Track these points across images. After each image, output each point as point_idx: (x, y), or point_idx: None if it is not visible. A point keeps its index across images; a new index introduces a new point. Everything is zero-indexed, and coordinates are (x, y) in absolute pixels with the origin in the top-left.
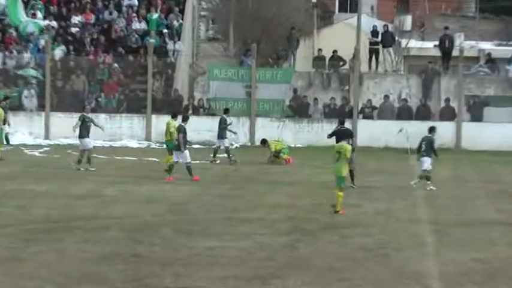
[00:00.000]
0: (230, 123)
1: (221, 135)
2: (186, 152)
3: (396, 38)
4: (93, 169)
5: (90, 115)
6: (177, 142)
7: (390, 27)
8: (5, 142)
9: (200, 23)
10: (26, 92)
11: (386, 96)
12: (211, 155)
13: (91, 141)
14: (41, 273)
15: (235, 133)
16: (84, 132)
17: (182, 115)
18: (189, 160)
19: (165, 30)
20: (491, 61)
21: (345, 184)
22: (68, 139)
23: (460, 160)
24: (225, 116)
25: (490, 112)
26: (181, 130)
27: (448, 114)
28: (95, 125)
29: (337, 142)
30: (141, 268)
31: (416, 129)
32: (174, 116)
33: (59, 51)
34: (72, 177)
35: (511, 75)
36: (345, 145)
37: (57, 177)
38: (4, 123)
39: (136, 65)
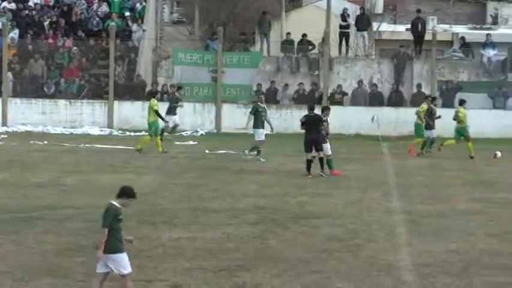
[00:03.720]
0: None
1: (170, 112)
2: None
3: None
4: (263, 160)
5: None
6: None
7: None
8: None
9: (164, 5)
10: None
11: (360, 82)
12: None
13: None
14: None
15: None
16: (257, 123)
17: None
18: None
19: (128, 13)
20: (465, 45)
21: None
22: (26, 126)
23: (432, 148)
24: (177, 94)
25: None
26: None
27: (419, 100)
28: (266, 120)
29: (306, 129)
30: None
31: (387, 116)
32: (154, 94)
33: (12, 35)
34: (31, 165)
35: (485, 59)
36: None
37: (15, 166)
38: None
39: (98, 49)
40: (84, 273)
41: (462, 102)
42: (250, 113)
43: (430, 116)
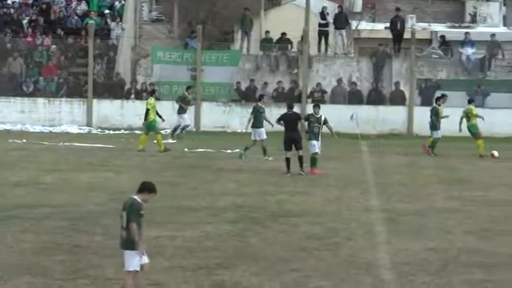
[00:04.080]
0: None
1: (181, 111)
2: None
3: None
4: (270, 158)
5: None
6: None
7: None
8: None
9: (143, 3)
10: None
11: (339, 80)
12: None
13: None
14: None
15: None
16: (257, 122)
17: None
18: None
19: (107, 11)
20: (445, 44)
21: None
22: (5, 124)
23: (411, 146)
24: (186, 93)
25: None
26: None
27: (398, 98)
28: (265, 119)
29: (285, 127)
30: (82, 259)
31: (366, 114)
32: (152, 94)
33: None
34: (10, 164)
35: (464, 58)
36: None
37: None
38: None
39: (77, 47)
40: (62, 272)
41: (471, 101)
42: (252, 113)
43: (436, 116)
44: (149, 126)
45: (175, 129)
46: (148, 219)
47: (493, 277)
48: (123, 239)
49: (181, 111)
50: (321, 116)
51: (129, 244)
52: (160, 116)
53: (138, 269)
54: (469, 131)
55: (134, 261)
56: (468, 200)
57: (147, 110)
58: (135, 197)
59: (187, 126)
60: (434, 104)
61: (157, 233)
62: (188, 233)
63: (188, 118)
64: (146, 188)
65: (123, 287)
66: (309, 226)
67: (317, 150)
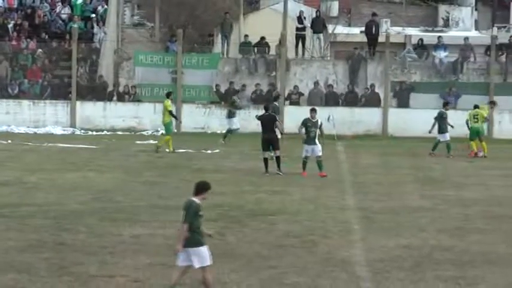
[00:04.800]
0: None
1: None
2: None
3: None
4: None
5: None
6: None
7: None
8: None
9: (125, 8)
10: None
11: (316, 83)
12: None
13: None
14: None
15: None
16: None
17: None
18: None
19: (93, 15)
20: (422, 47)
21: None
22: None
23: (386, 147)
24: (234, 97)
25: (416, 98)
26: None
27: (373, 100)
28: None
29: (262, 128)
30: (66, 256)
31: (342, 116)
32: (168, 95)
33: None
34: None
35: (437, 61)
36: None
37: None
38: None
39: (61, 50)
40: (47, 269)
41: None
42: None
43: (442, 120)
44: (165, 127)
45: (228, 132)
46: (129, 218)
47: (465, 273)
48: (188, 239)
49: (230, 115)
50: (317, 120)
51: (195, 241)
52: (175, 117)
53: (210, 263)
54: (477, 132)
55: (204, 256)
56: (441, 199)
57: (169, 112)
58: (194, 198)
59: (236, 129)
60: (442, 109)
61: (138, 231)
62: (169, 231)
63: (237, 122)
64: (202, 188)
65: (205, 282)
66: (286, 224)
67: (319, 154)
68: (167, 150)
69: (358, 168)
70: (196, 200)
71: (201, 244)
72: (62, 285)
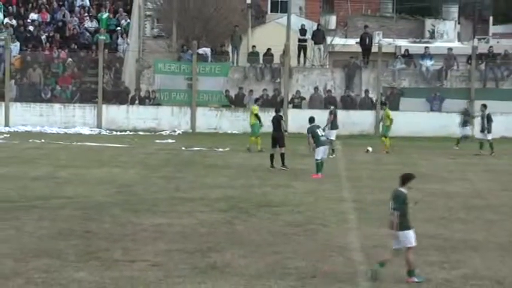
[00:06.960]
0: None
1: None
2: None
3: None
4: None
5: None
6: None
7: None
8: None
9: (146, 21)
10: None
11: (316, 88)
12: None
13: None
14: (1, 248)
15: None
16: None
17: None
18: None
19: (118, 28)
20: (408, 56)
21: None
22: (26, 126)
23: (379, 145)
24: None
25: (405, 102)
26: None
27: (366, 104)
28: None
29: (273, 127)
30: (93, 243)
31: (339, 118)
32: (256, 101)
33: (13, 47)
34: (30, 161)
35: (423, 69)
36: None
37: (16, 161)
38: None
39: (88, 59)
40: (76, 254)
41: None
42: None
43: (467, 115)
44: (252, 128)
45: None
46: (150, 209)
47: (449, 258)
48: (394, 223)
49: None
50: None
51: (403, 226)
52: (259, 120)
53: (414, 244)
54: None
55: (411, 238)
56: (428, 192)
57: (255, 115)
58: (401, 189)
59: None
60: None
61: (158, 220)
62: (185, 220)
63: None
64: (406, 178)
65: (408, 261)
66: (289, 214)
67: (321, 157)
68: (254, 148)
69: (353, 165)
70: (403, 190)
71: (408, 228)
72: (89, 269)
